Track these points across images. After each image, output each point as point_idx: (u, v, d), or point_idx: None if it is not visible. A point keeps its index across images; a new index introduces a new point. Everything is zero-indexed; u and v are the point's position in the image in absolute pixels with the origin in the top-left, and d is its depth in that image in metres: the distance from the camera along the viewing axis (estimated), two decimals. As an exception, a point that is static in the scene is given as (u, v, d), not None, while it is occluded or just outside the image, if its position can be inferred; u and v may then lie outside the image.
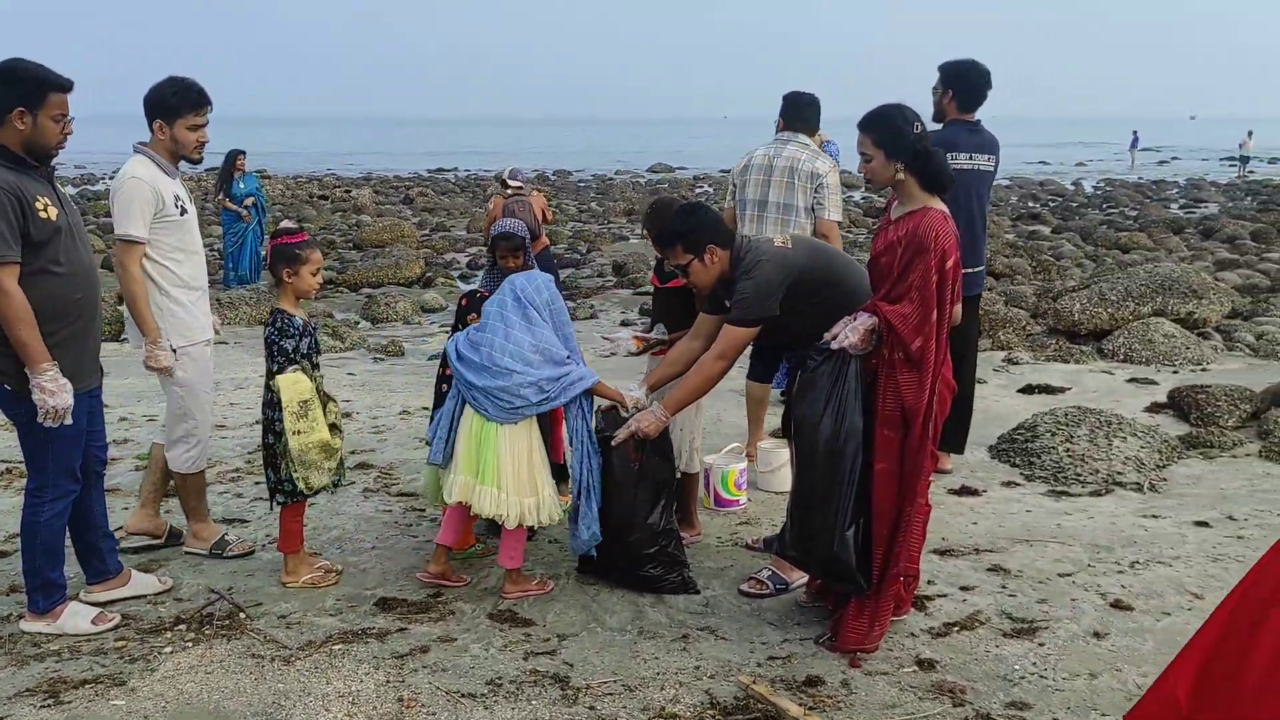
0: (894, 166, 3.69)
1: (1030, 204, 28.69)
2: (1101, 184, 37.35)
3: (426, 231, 21.70)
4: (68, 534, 3.96)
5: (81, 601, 4.04)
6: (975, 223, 5.49)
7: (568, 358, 4.10)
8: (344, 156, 59.02)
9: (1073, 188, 35.79)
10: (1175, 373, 8.44)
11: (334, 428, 4.24)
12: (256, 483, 5.60)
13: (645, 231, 4.83)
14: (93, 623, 3.88)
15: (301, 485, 4.13)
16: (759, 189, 5.55)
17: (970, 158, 5.43)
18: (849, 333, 3.65)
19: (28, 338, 3.54)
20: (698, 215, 4.13)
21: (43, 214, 3.58)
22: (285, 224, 4.37)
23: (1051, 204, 29.05)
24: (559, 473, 4.41)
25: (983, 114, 5.57)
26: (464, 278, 16.03)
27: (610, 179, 41.10)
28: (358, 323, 12.31)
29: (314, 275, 4.22)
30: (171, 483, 4.67)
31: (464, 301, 4.84)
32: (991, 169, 5.56)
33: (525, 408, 4.03)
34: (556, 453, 4.52)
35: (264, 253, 4.61)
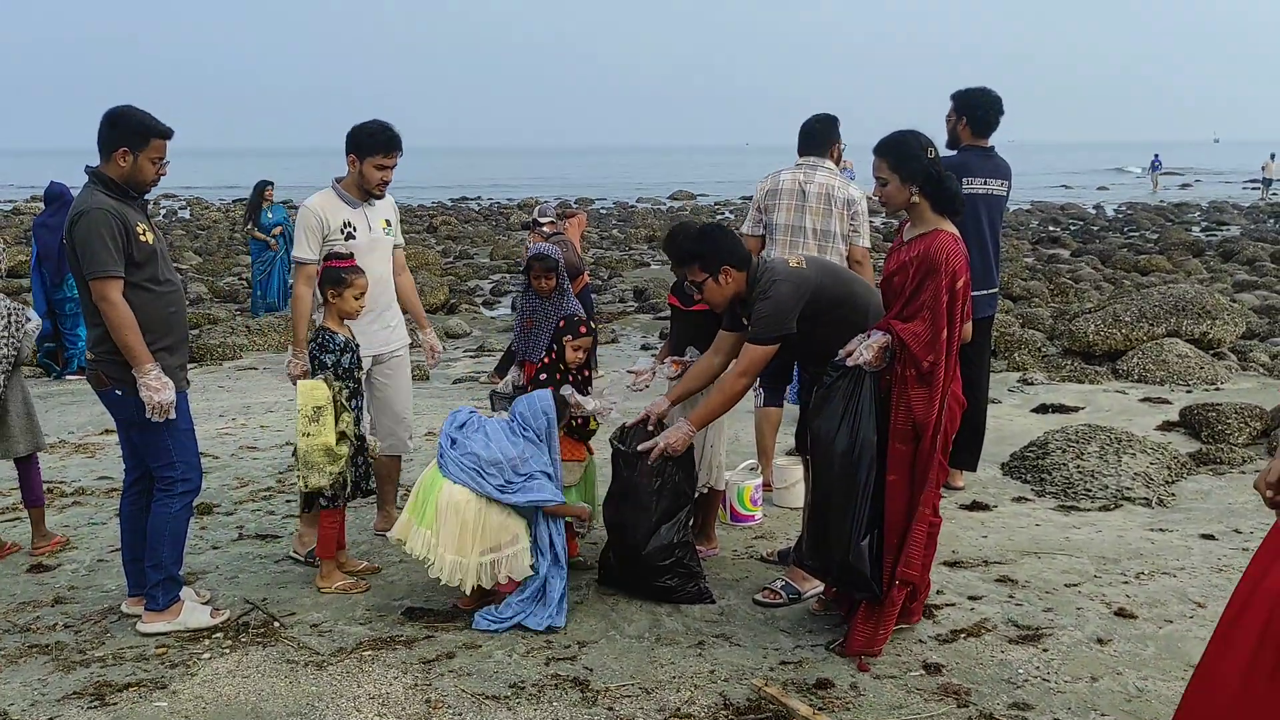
0: (909, 190, 3.84)
1: (1051, 228, 28.73)
2: (1123, 207, 37.35)
3: (450, 259, 22.00)
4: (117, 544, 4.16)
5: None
6: (988, 246, 5.62)
7: (541, 473, 4.21)
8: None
9: (1094, 211, 35.81)
10: (1189, 392, 8.53)
11: (343, 435, 4.40)
12: (288, 500, 5.80)
13: (666, 255, 4.94)
14: (211, 616, 4.18)
15: (301, 484, 4.38)
16: (791, 214, 5.36)
17: (985, 182, 5.57)
18: (864, 350, 3.81)
19: (133, 341, 3.90)
20: (715, 237, 4.26)
21: (142, 238, 3.97)
22: (338, 249, 4.60)
23: (1072, 228, 29.09)
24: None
25: (1000, 139, 5.74)
26: (487, 305, 16.26)
27: (632, 206, 41.41)
28: (383, 348, 12.52)
29: (356, 299, 4.47)
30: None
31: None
32: (1004, 193, 5.70)
33: (478, 478, 4.12)
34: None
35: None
